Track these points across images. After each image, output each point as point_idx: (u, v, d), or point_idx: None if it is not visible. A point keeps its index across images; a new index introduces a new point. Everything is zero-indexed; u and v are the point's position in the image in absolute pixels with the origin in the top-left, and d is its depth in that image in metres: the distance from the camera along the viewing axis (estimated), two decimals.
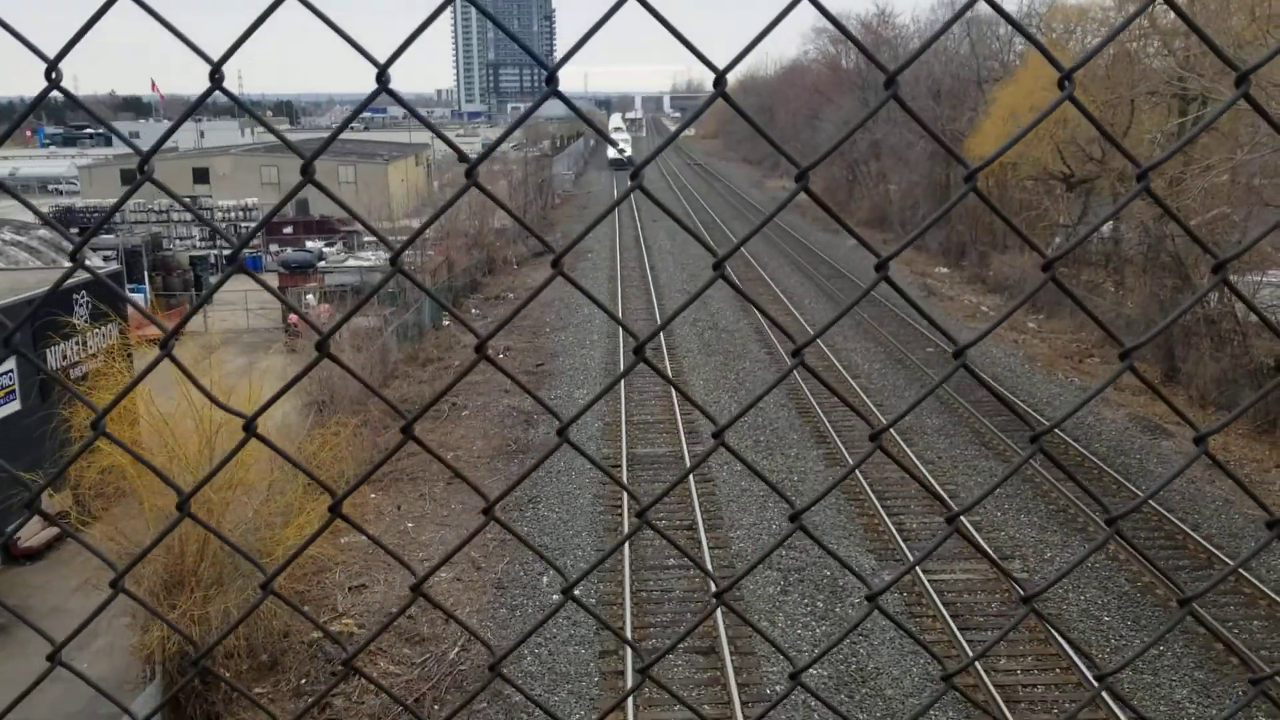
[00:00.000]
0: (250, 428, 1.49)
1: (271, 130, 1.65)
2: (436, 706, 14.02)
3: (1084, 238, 1.74)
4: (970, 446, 23.48)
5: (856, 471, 20.73)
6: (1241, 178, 25.31)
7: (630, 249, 52.78)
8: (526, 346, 33.06)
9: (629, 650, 15.04)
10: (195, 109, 1.56)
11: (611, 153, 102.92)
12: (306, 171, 1.43)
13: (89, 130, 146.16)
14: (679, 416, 25.17)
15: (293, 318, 36.46)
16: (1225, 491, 20.54)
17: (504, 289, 42.95)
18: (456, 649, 15.35)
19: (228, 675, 14.05)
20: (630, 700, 14.00)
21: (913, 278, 43.98)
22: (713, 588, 1.65)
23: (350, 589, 17.16)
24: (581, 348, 32.71)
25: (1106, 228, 36.01)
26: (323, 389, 24.72)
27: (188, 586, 14.01)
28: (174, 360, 1.46)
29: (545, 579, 17.57)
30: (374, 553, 18.42)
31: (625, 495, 20.51)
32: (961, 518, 1.69)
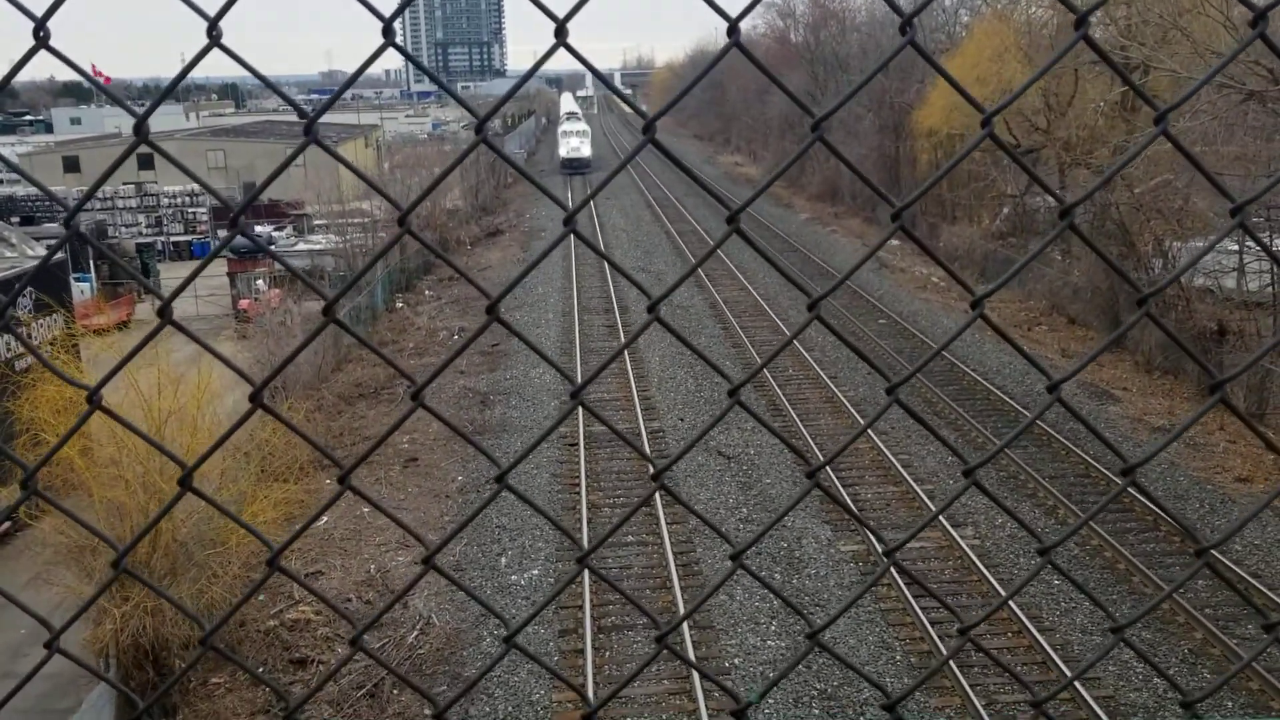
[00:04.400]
0: (257, 398, 1.46)
1: (275, 89, 1.60)
2: (395, 690, 13.99)
3: (1110, 176, 1.73)
4: (923, 415, 23.70)
5: (811, 441, 20.82)
6: (1184, 144, 25.67)
7: (584, 227, 52.37)
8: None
9: (583, 625, 15.09)
10: (194, 65, 1.51)
11: (563, 150, 79.84)
12: (310, 131, 1.41)
13: (29, 117, 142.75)
14: (635, 393, 25.19)
15: (243, 303, 36.00)
16: (1170, 454, 20.94)
17: (452, 262, 42.62)
18: (415, 633, 15.31)
19: (181, 663, 13.91)
20: (590, 675, 14.06)
21: (864, 249, 44.21)
22: (730, 550, 1.62)
23: (306, 575, 17.04)
24: (537, 326, 32.62)
25: (1050, 198, 36.38)
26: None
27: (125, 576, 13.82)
28: (178, 326, 1.44)
29: (504, 559, 17.56)
30: (329, 540, 18.30)
31: (583, 474, 20.53)
32: (977, 472, 1.69)
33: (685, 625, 15.06)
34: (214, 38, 1.32)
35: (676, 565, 16.88)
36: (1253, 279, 26.60)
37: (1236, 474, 20.06)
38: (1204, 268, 26.18)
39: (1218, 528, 17.90)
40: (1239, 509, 18.52)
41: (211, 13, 1.41)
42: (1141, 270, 27.64)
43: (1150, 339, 26.21)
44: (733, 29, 1.39)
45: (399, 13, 1.37)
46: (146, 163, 65.07)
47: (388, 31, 1.35)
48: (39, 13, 1.34)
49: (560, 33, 1.37)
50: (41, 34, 1.29)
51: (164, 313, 1.36)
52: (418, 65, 1.48)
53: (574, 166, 77.02)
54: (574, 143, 79.53)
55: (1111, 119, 32.19)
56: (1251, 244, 24.84)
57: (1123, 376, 26.31)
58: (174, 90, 1.52)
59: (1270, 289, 25.67)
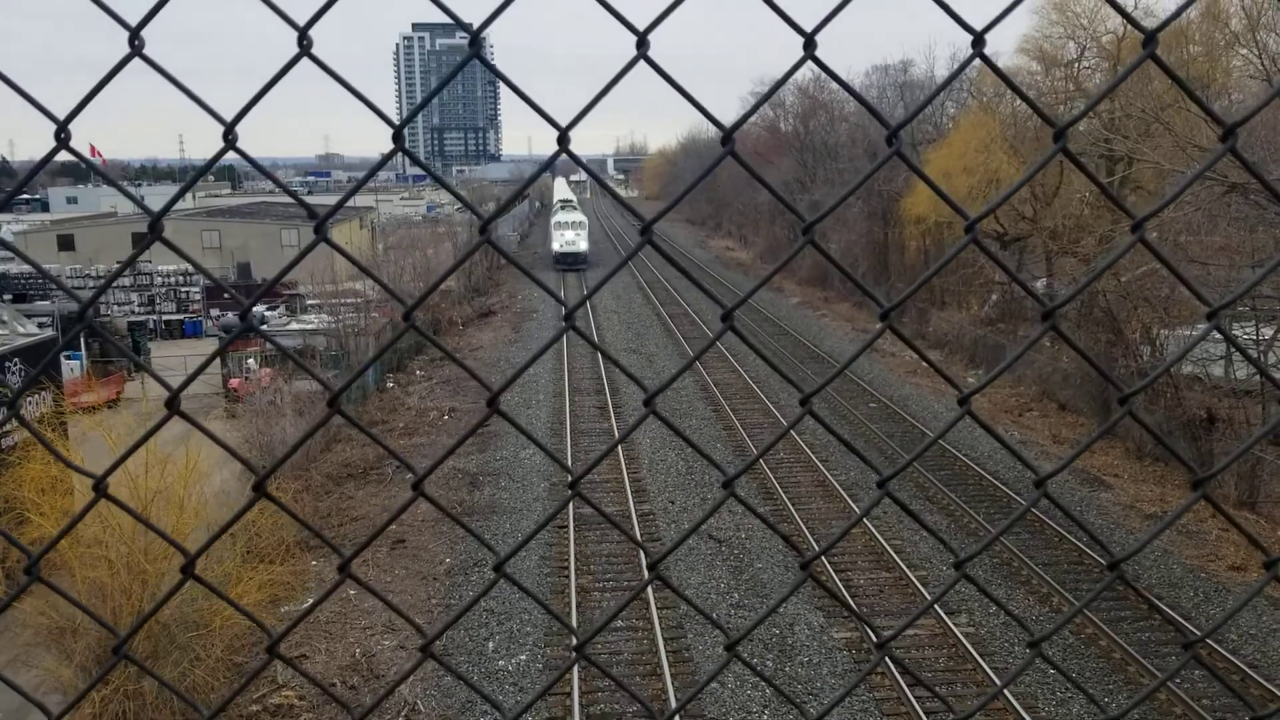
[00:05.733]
0: (261, 487, 1.47)
1: (285, 190, 1.65)
2: None
3: (1086, 285, 1.78)
4: (914, 501, 23.64)
5: (803, 526, 20.71)
6: (1169, 235, 26.10)
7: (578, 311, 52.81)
8: (472, 408, 32.88)
9: (572, 714, 14.82)
10: (209, 168, 1.56)
11: (556, 244, 69.34)
12: (320, 231, 1.44)
13: (26, 196, 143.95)
14: (625, 475, 25.08)
15: (233, 383, 35.95)
16: (1163, 543, 20.87)
17: (450, 350, 42.69)
18: None
19: None
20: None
21: (855, 335, 44.55)
22: (724, 639, 1.62)
23: (291, 659, 16.75)
24: (527, 408, 32.59)
25: (1040, 285, 36.82)
26: (264, 454, 24.33)
27: (120, 665, 13.59)
28: (185, 416, 1.45)
29: (491, 645, 17.30)
30: (314, 623, 18.03)
31: (572, 558, 20.34)
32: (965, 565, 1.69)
33: (676, 717, 14.79)
34: (230, 141, 1.36)
35: (667, 652, 16.64)
36: (1240, 367, 26.80)
37: (1230, 562, 19.97)
38: (1192, 356, 26.38)
39: (1212, 617, 17.74)
40: (1233, 598, 18.39)
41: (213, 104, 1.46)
42: (1130, 358, 27.83)
43: (1139, 425, 26.27)
44: (727, 139, 1.44)
45: (409, 120, 1.42)
46: (140, 241, 65.47)
47: (398, 138, 1.39)
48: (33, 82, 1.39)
49: (563, 140, 1.42)
50: (63, 135, 1.33)
51: (172, 404, 1.38)
52: (426, 170, 1.53)
53: (568, 262, 67.18)
54: (568, 236, 69.44)
55: (1097, 209, 32.73)
56: (1239, 333, 25.09)
57: (1114, 463, 26.32)
58: (189, 189, 1.56)
59: (1258, 377, 25.84)
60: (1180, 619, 17.56)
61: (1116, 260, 1.63)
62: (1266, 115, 23.51)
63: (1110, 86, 1.51)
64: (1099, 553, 19.59)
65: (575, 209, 75.16)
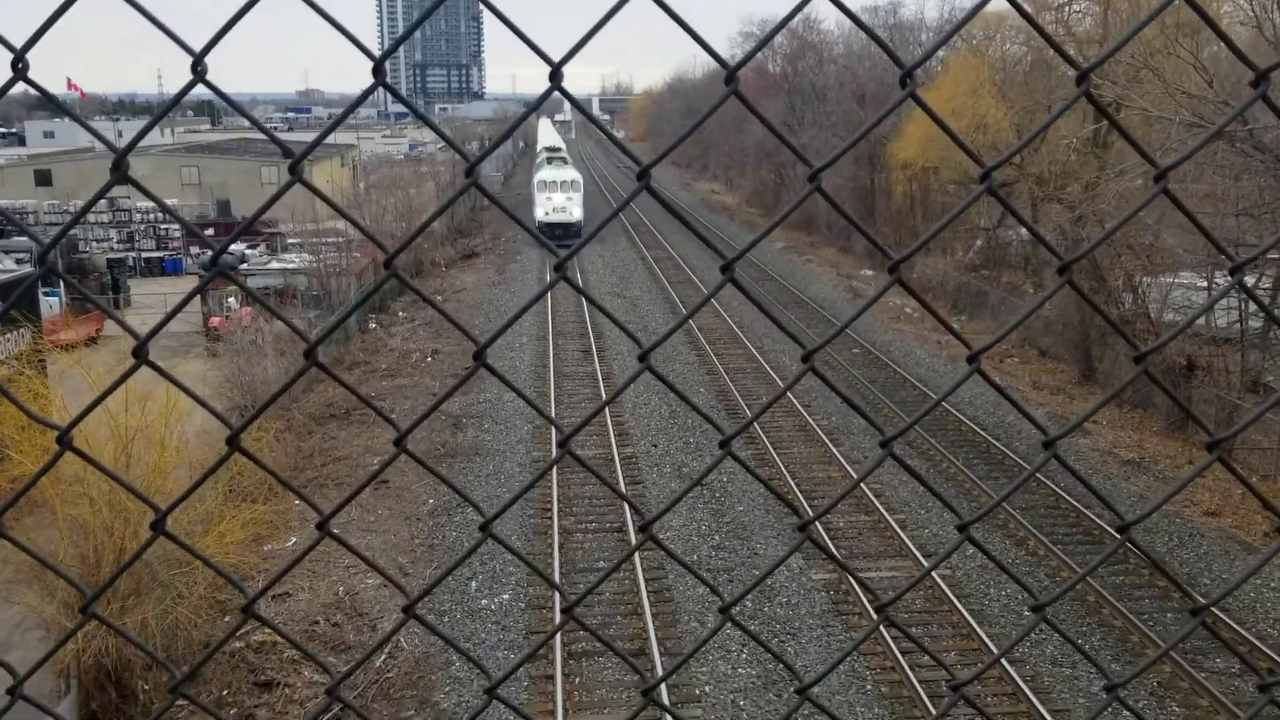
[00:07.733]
0: (234, 441, 1.42)
1: (259, 126, 1.57)
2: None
3: (1105, 238, 1.74)
4: (896, 446, 23.78)
5: (784, 469, 20.78)
6: (1184, 204, 26.02)
7: (561, 251, 52.46)
8: (456, 349, 32.80)
9: (553, 651, 14.98)
10: (177, 102, 1.49)
11: (541, 211, 53.07)
12: (295, 171, 1.38)
13: (2, 130, 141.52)
14: (608, 418, 25.14)
15: (214, 321, 35.71)
16: (1140, 488, 21.12)
17: (432, 291, 42.52)
18: (384, 657, 15.14)
19: (144, 685, 13.70)
20: (560, 701, 13.94)
21: (839, 280, 44.51)
22: (720, 602, 1.59)
23: (273, 598, 16.83)
24: (511, 350, 32.54)
25: (1025, 231, 36.76)
26: (244, 393, 24.24)
27: (103, 599, 13.61)
28: (154, 366, 1.40)
29: (474, 584, 17.42)
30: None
31: (555, 499, 20.42)
32: (971, 527, 1.66)
33: (657, 654, 14.98)
34: (199, 73, 1.29)
35: (648, 592, 16.79)
36: (1220, 314, 26.95)
37: (1205, 508, 20.22)
38: (1174, 304, 26.52)
39: (1186, 560, 18.01)
40: (1207, 543, 18.64)
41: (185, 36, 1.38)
42: (1112, 305, 27.93)
43: (1120, 374, 26.45)
44: (730, 78, 1.38)
45: (390, 52, 1.35)
46: (119, 178, 64.58)
47: (378, 71, 1.32)
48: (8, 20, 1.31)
49: (555, 76, 1.35)
50: (20, 65, 1.26)
51: (139, 353, 1.33)
52: (409, 106, 1.46)
53: (556, 235, 51.28)
54: (557, 200, 53.69)
55: (1083, 155, 32.62)
56: (1218, 280, 25.16)
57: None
58: (157, 124, 1.49)
59: (1238, 325, 26.01)
60: (1183, 587, 17.76)
61: (1138, 211, 1.58)
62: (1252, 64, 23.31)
63: (1075, 97, 1.45)
64: (1097, 513, 19.70)
65: (565, 163, 59.95)
